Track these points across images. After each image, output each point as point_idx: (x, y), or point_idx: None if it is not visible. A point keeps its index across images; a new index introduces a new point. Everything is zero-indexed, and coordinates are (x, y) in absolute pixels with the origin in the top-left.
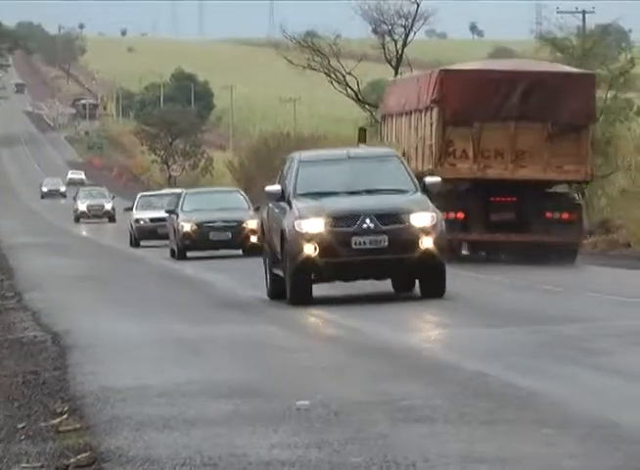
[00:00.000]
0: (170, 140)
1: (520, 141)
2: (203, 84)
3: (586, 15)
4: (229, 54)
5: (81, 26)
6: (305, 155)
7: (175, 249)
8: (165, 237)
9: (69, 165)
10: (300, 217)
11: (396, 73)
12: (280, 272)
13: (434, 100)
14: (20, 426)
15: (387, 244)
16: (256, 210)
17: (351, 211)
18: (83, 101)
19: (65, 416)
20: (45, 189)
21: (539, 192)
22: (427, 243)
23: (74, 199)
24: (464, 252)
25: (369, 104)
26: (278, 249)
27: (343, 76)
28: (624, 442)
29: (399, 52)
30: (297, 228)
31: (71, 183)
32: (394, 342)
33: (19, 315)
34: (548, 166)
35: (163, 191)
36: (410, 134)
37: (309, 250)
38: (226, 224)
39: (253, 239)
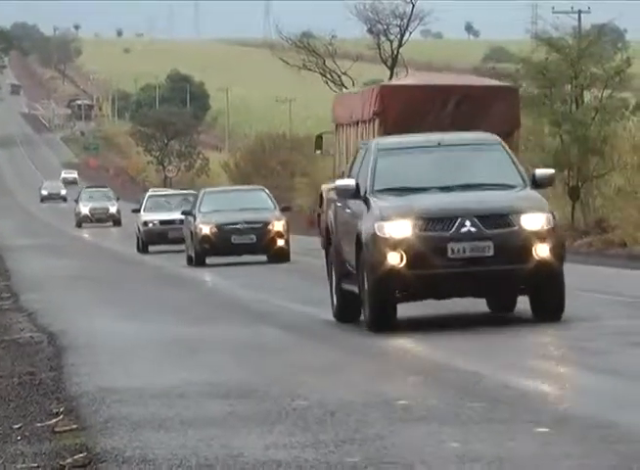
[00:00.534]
0: (166, 141)
1: None
2: (198, 85)
3: (582, 15)
4: (225, 54)
5: (77, 27)
6: (385, 142)
7: (192, 254)
8: (177, 241)
9: (65, 166)
10: (383, 219)
11: (392, 74)
12: (352, 288)
13: (375, 112)
14: (16, 427)
15: (492, 252)
16: (284, 210)
17: (447, 212)
18: (79, 102)
19: (61, 417)
20: (45, 192)
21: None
22: (542, 251)
23: (76, 201)
24: None
25: None
26: (350, 258)
27: (339, 77)
28: (620, 441)
29: (395, 52)
30: (378, 232)
31: (65, 183)
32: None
33: (15, 316)
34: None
35: (174, 191)
36: (357, 142)
37: (394, 259)
38: (250, 226)
39: (280, 242)
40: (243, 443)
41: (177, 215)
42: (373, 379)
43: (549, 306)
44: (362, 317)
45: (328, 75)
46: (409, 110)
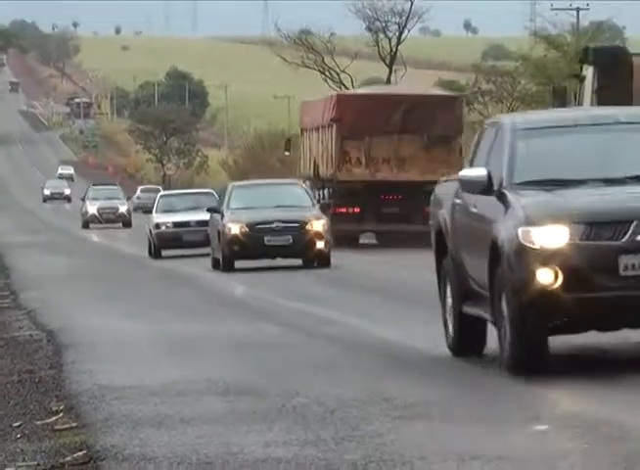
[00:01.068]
0: (165, 139)
1: (402, 150)
2: (197, 82)
3: (580, 12)
4: (223, 52)
5: (75, 25)
6: (524, 119)
7: (220, 257)
8: (192, 245)
9: (64, 164)
10: (529, 222)
11: (391, 71)
12: (480, 312)
13: (332, 119)
14: (15, 425)
15: None
16: (323, 207)
17: (618, 213)
18: (77, 100)
19: (60, 415)
20: (47, 192)
21: (420, 191)
22: None
23: (83, 200)
24: (361, 241)
25: None
26: (477, 273)
27: (338, 74)
28: (620, 439)
29: (393, 49)
30: (523, 240)
31: (61, 178)
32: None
33: (14, 314)
34: (425, 170)
35: (188, 190)
36: (318, 145)
37: (546, 277)
38: (285, 225)
39: (320, 245)
40: (242, 440)
41: (192, 217)
42: (372, 377)
43: None
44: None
45: (326, 73)
46: (362, 116)
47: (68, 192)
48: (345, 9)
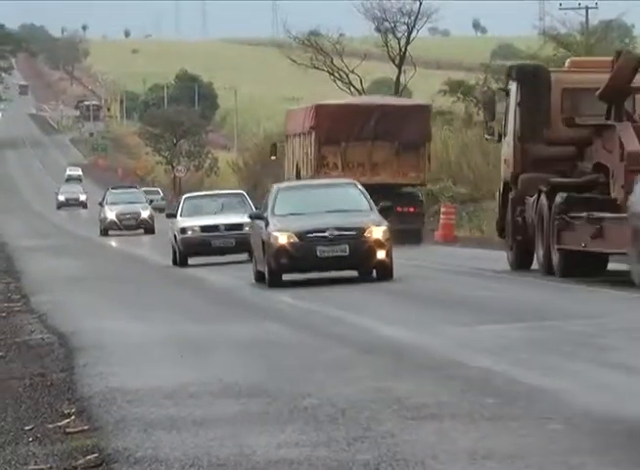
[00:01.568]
0: (175, 141)
1: (375, 156)
2: (206, 85)
3: (589, 11)
4: (232, 54)
5: (84, 28)
6: None
7: (265, 270)
8: (222, 251)
9: (72, 166)
10: None
11: (400, 72)
12: None
13: (311, 126)
14: (27, 428)
15: None
16: (383, 211)
17: None
18: (87, 103)
19: (72, 418)
20: (62, 198)
21: (392, 192)
22: None
23: (101, 204)
24: None
25: None
26: None
27: (347, 75)
28: (632, 437)
29: (402, 50)
30: None
31: (70, 179)
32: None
33: (25, 318)
34: (397, 174)
35: (216, 191)
36: (300, 151)
37: None
38: (341, 233)
39: (381, 255)
40: (255, 442)
41: (221, 220)
42: (382, 376)
43: None
44: None
45: (336, 74)
46: (338, 125)
47: (83, 198)
48: (354, 10)
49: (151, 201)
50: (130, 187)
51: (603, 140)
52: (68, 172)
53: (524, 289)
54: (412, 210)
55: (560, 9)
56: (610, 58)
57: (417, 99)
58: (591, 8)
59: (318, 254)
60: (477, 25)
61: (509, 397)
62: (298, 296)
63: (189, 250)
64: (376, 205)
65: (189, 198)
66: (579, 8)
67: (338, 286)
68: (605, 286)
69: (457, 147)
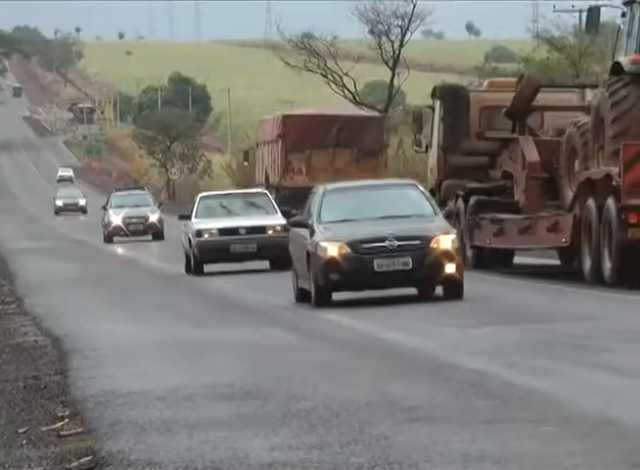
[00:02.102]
0: (168, 143)
1: (337, 162)
2: (200, 87)
3: (583, 13)
4: (226, 56)
5: (78, 30)
6: None
7: (312, 288)
8: (242, 258)
9: (64, 167)
10: None
11: (394, 74)
12: None
13: (279, 135)
14: (21, 431)
15: None
16: (449, 216)
17: None
18: (81, 105)
19: (66, 420)
20: (60, 203)
21: None
22: None
23: (104, 208)
24: None
25: (367, 105)
26: None
27: (341, 78)
28: (625, 439)
29: (396, 52)
30: None
31: (61, 180)
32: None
33: (19, 320)
34: (356, 178)
35: (235, 190)
36: (269, 157)
37: None
38: (403, 243)
39: (450, 268)
40: (248, 444)
41: (241, 222)
42: (376, 378)
43: None
44: None
45: (329, 76)
46: (303, 133)
47: (83, 202)
48: (348, 12)
49: (160, 204)
50: (137, 188)
51: (509, 151)
52: (59, 173)
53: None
54: None
55: (554, 11)
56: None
57: (373, 111)
58: (585, 11)
59: (375, 268)
60: (470, 28)
61: (503, 399)
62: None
63: (205, 256)
64: None
65: (205, 197)
66: (573, 10)
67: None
68: (595, 288)
69: None
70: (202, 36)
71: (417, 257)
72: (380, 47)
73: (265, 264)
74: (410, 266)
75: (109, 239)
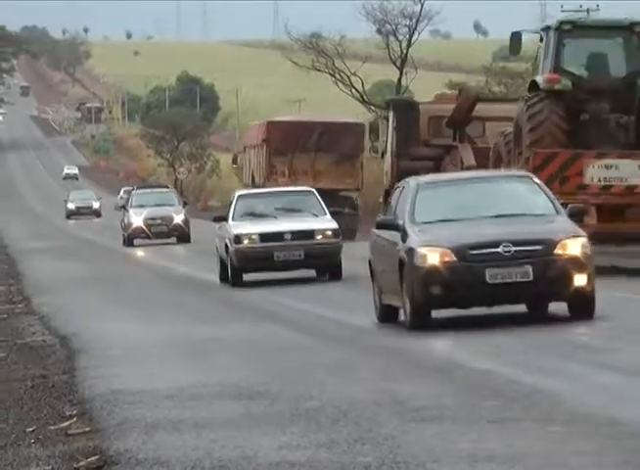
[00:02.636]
0: (176, 143)
1: (317, 165)
2: (208, 87)
3: (590, 13)
4: (234, 56)
5: (86, 30)
6: None
7: (406, 305)
8: (286, 267)
9: (69, 164)
10: None
11: (401, 74)
12: None
13: (263, 139)
14: (29, 430)
15: None
16: (576, 215)
17: None
18: (88, 105)
19: (74, 419)
20: (72, 206)
21: (332, 196)
22: None
23: (124, 208)
24: None
25: (374, 104)
26: None
27: (348, 77)
28: (631, 438)
29: (404, 52)
30: None
31: (67, 178)
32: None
33: (27, 320)
34: (336, 181)
35: (279, 188)
36: (254, 160)
37: None
38: (522, 249)
39: (580, 280)
40: (256, 443)
41: (287, 226)
42: (384, 378)
43: None
44: None
45: (337, 76)
46: (286, 138)
47: (97, 205)
48: (356, 12)
49: (186, 203)
50: (160, 186)
51: (451, 157)
52: (65, 171)
53: None
54: (348, 211)
55: (561, 11)
56: None
57: (350, 117)
58: (593, 10)
59: (488, 279)
60: (478, 27)
61: (509, 399)
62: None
63: (245, 264)
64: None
65: (243, 196)
66: (581, 10)
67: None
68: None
69: None
70: (209, 36)
71: (538, 265)
72: (387, 47)
73: (306, 272)
74: (531, 277)
75: (129, 242)
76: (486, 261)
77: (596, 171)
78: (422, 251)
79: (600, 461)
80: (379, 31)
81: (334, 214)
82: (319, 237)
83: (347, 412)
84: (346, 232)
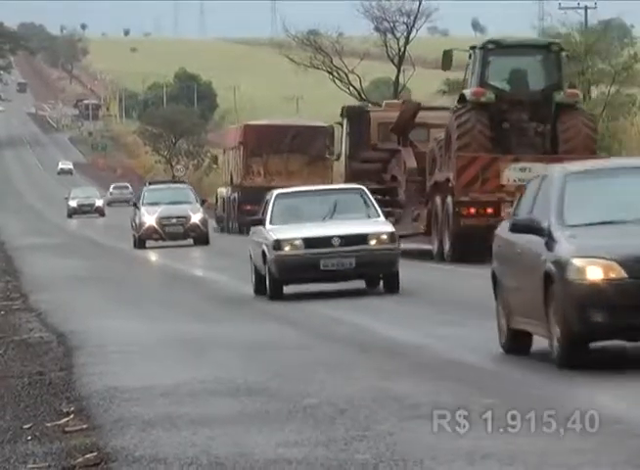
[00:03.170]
0: (174, 140)
1: (290, 165)
2: (206, 84)
3: (588, 10)
4: (232, 53)
5: (84, 27)
6: None
7: (558, 335)
8: (333, 277)
9: (74, 167)
10: None
11: (399, 71)
12: None
13: (240, 142)
14: (26, 426)
15: None
16: None
17: None
18: (86, 101)
19: (71, 416)
20: (74, 203)
21: None
22: None
23: (135, 205)
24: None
25: (372, 102)
26: None
27: (346, 75)
28: (630, 437)
29: (402, 49)
30: None
31: (61, 173)
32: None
33: (24, 316)
34: (307, 180)
35: (321, 186)
36: (233, 161)
37: None
38: None
39: None
40: (253, 441)
41: (334, 229)
42: (382, 376)
43: None
44: None
45: (335, 73)
46: (261, 141)
47: (100, 203)
48: (354, 9)
49: (204, 201)
50: (175, 182)
51: (396, 159)
52: (60, 166)
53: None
54: None
55: (559, 9)
56: None
57: (318, 121)
58: (590, 8)
59: None
60: (476, 25)
61: (507, 396)
62: None
63: (286, 274)
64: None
65: (282, 195)
66: (579, 8)
67: None
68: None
69: None
70: (207, 34)
71: None
72: (385, 44)
73: (354, 284)
74: None
75: (140, 243)
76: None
77: (512, 173)
78: (578, 263)
79: (599, 460)
80: (377, 29)
81: None
82: (373, 242)
83: (345, 410)
84: None
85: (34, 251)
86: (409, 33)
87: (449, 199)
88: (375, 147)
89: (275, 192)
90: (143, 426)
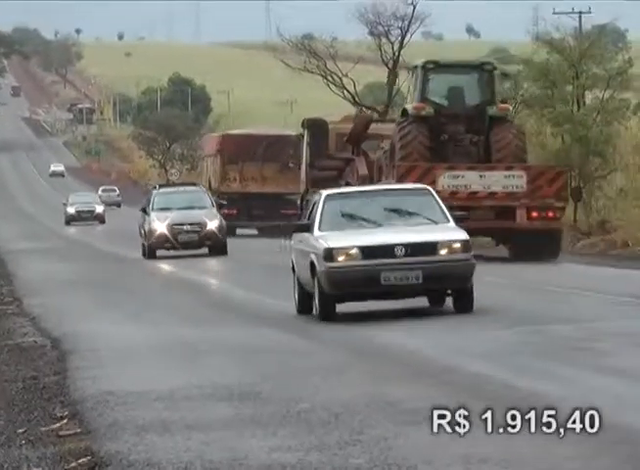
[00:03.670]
0: (168, 144)
1: (265, 172)
2: (200, 88)
3: (583, 15)
4: (226, 58)
5: (78, 31)
6: None
7: None
8: (396, 294)
9: (68, 171)
10: None
11: (393, 75)
12: None
13: (218, 150)
14: (20, 431)
15: None
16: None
17: None
18: (80, 106)
19: (65, 421)
20: (72, 210)
21: (279, 199)
22: None
23: (144, 211)
24: (247, 232)
25: (366, 106)
26: None
27: (340, 79)
28: (625, 442)
29: (396, 54)
30: None
31: (53, 175)
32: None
33: (18, 321)
34: (280, 186)
35: (377, 186)
36: (211, 168)
37: None
38: None
39: None
40: (247, 445)
41: (397, 236)
42: (376, 380)
43: None
44: None
45: (329, 77)
46: (238, 149)
47: (100, 209)
48: (348, 13)
49: (221, 205)
50: (188, 184)
51: (350, 167)
52: (52, 168)
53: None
54: (292, 212)
55: (553, 14)
56: None
57: (292, 131)
58: (585, 13)
59: None
60: (470, 30)
61: (503, 401)
62: None
63: (340, 289)
64: (264, 211)
65: (333, 197)
66: (573, 13)
67: None
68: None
69: None
70: (201, 38)
71: None
72: (379, 48)
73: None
74: None
75: (150, 253)
76: None
77: (446, 180)
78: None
79: (593, 466)
80: (371, 33)
81: (284, 216)
82: (444, 252)
83: (339, 414)
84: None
85: (28, 255)
86: (403, 38)
87: None
88: (331, 156)
89: (324, 193)
90: (137, 430)
